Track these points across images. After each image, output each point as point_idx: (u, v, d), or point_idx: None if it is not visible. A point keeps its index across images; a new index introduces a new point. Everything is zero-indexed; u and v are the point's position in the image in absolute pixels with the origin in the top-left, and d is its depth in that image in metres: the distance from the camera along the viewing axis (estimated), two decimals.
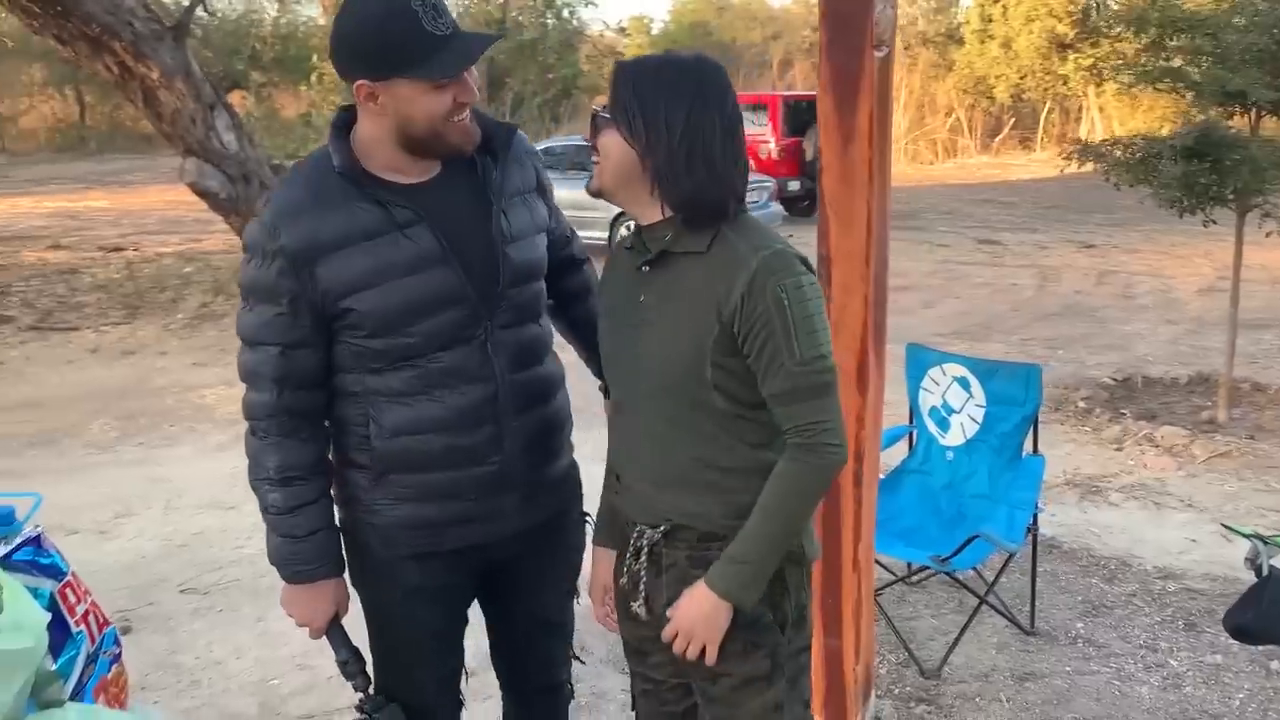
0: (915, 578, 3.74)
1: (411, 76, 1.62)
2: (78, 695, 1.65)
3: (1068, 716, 2.95)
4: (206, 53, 20.63)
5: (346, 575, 1.90)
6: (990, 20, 25.71)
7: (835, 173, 2.60)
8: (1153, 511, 4.47)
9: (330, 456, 1.87)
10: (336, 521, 1.86)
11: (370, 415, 1.76)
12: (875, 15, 2.51)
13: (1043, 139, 25.42)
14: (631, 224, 1.85)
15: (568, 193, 12.35)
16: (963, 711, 2.99)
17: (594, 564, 1.96)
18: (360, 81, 1.65)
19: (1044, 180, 18.92)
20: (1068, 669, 3.19)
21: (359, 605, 1.96)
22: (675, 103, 1.61)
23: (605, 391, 1.92)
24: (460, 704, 2.07)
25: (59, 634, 1.64)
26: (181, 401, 6.53)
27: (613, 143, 1.66)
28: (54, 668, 1.56)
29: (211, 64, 18.99)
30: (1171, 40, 5.30)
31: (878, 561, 3.45)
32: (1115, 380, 6.48)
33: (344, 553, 1.88)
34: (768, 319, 1.57)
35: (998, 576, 3.37)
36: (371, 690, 1.89)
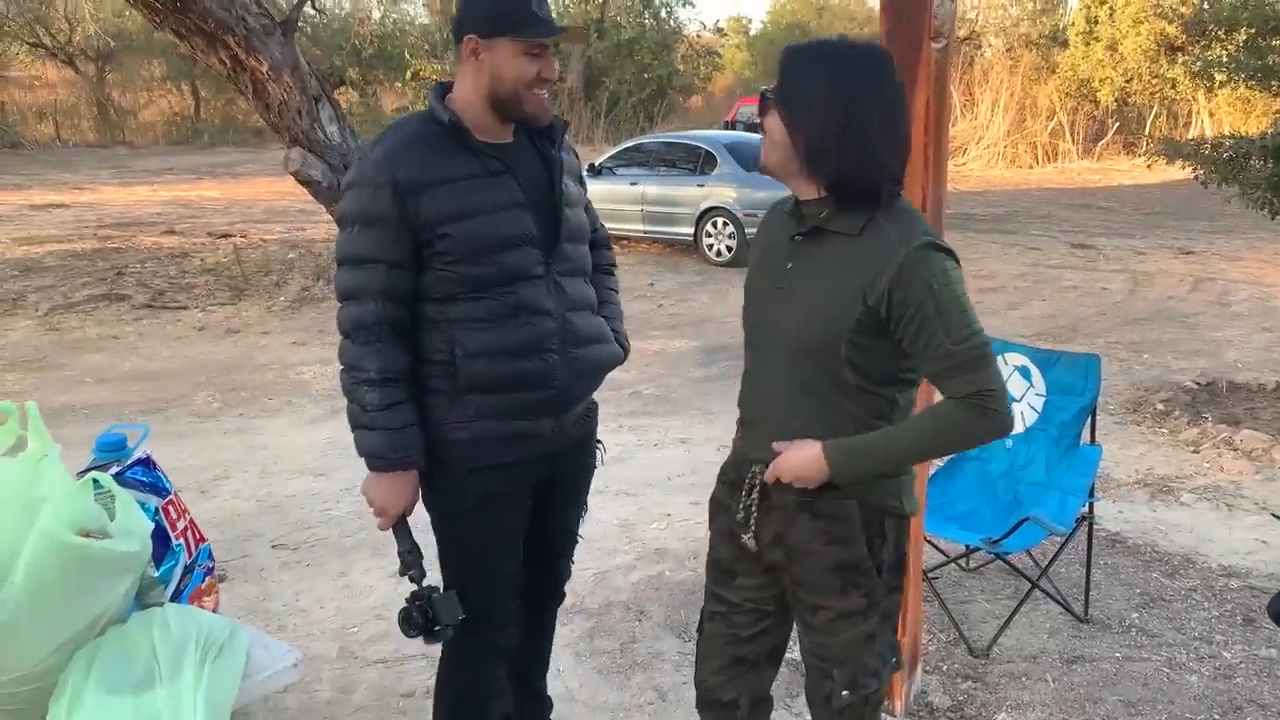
0: (973, 564, 3.81)
1: (513, 37, 1.99)
2: (175, 601, 1.87)
3: (1113, 698, 2.99)
4: (315, 50, 21.37)
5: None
6: (1096, 22, 25.07)
7: None
8: (1224, 513, 4.43)
9: None
10: None
11: (453, 339, 2.04)
12: (934, 8, 2.61)
13: (1148, 144, 24.70)
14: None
15: (656, 188, 12.63)
16: (1008, 689, 3.05)
17: None
18: (471, 36, 2.01)
19: (1147, 186, 18.47)
20: (1118, 655, 3.23)
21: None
22: (835, 87, 1.71)
23: None
24: (516, 614, 2.31)
25: (160, 545, 1.86)
26: (281, 377, 6.88)
27: (774, 123, 1.78)
28: (156, 574, 1.78)
29: (319, 61, 19.68)
30: (1264, 40, 5.22)
31: (933, 544, 3.54)
32: (1199, 384, 6.38)
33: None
34: (919, 305, 1.69)
35: (1051, 561, 3.42)
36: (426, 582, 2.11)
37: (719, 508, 2.06)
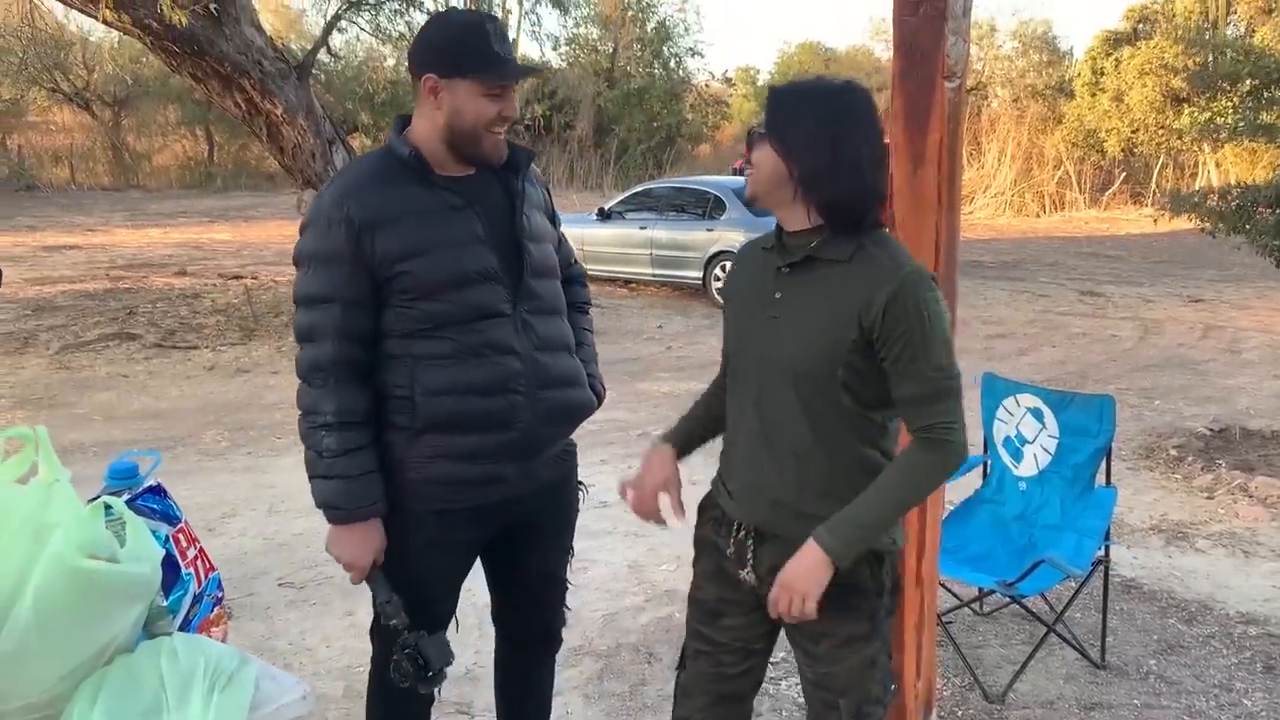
0: (986, 608, 3.76)
1: (474, 78, 1.95)
2: (183, 630, 1.84)
3: None
4: (329, 96, 21.62)
5: None
6: (1102, 74, 25.29)
7: (905, 197, 2.70)
8: (1241, 559, 4.38)
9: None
10: None
11: (414, 376, 1.98)
12: (946, 48, 2.62)
13: (1155, 195, 24.79)
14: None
15: (665, 233, 12.71)
16: None
17: (651, 459, 2.08)
18: (429, 75, 1.96)
19: (1154, 235, 18.46)
20: (1136, 702, 3.17)
21: None
22: (825, 118, 1.79)
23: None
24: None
25: (170, 574, 1.84)
26: (289, 416, 6.85)
27: (765, 156, 1.83)
28: (165, 603, 1.76)
29: (334, 106, 19.90)
30: (1267, 92, 5.25)
31: (947, 588, 3.50)
32: (1211, 431, 6.34)
33: None
34: (908, 328, 1.74)
35: (1067, 605, 3.37)
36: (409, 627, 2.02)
37: (704, 545, 2.05)
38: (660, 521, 2.07)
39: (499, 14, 22.86)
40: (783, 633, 2.03)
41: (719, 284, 11.45)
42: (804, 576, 1.79)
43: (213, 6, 7.72)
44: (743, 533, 1.93)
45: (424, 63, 1.99)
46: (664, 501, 2.06)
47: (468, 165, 2.06)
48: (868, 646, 1.91)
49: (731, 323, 1.98)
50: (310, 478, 1.99)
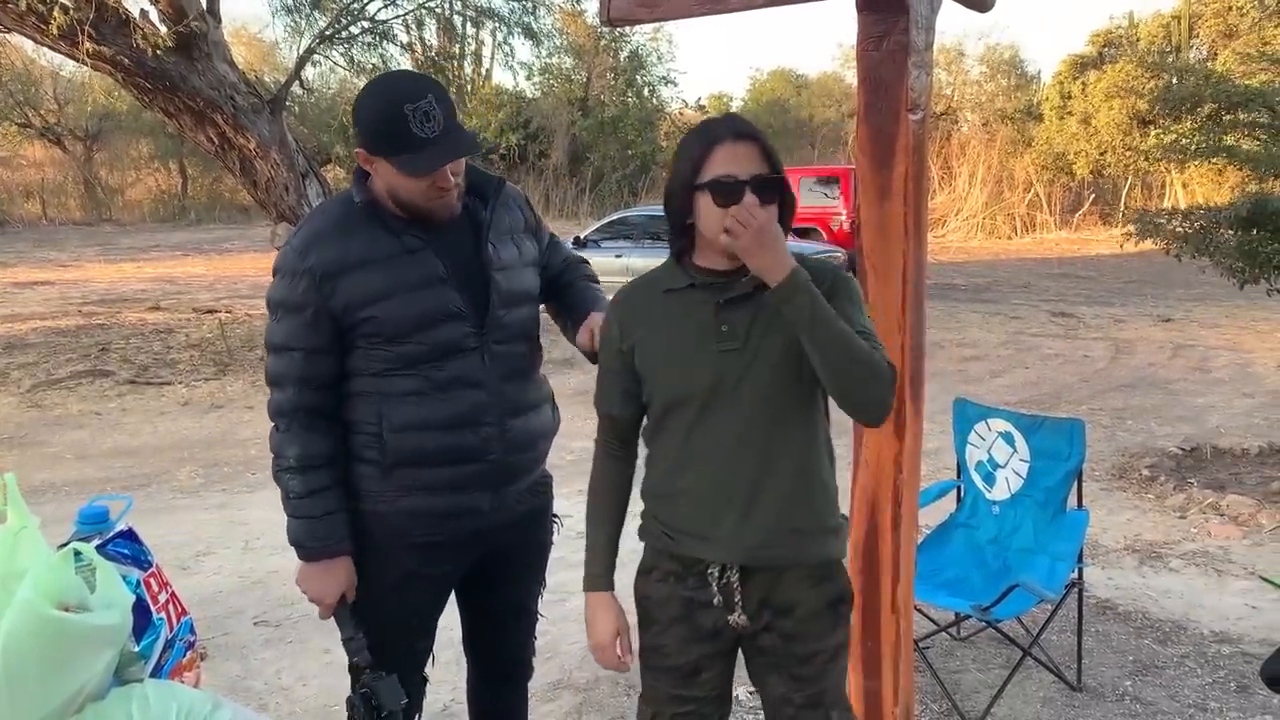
0: (963, 633, 3.78)
1: (391, 162, 1.94)
2: (155, 676, 1.83)
3: None
4: (302, 128, 21.63)
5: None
6: (1069, 97, 25.67)
7: (872, 227, 2.74)
8: (1213, 578, 4.42)
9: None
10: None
11: (381, 413, 2.02)
12: (910, 81, 2.67)
13: (1123, 216, 25.11)
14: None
15: (641, 260, 12.69)
16: None
17: (598, 612, 1.97)
18: (359, 149, 2.00)
19: (1125, 255, 18.64)
20: None
21: None
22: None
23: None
24: (425, 681, 2.30)
25: (141, 618, 1.83)
26: (263, 452, 6.75)
27: (772, 208, 1.81)
28: (136, 649, 1.75)
29: (307, 138, 19.89)
30: (1227, 115, 5.36)
31: (924, 613, 3.51)
32: (1183, 450, 6.41)
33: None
34: (842, 304, 1.81)
35: (1042, 629, 3.39)
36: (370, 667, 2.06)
37: (669, 603, 1.93)
38: (625, 667, 1.99)
39: (472, 51, 22.88)
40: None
41: None
42: (766, 237, 1.72)
43: (190, 29, 7.70)
44: (725, 576, 1.87)
45: (357, 133, 2.00)
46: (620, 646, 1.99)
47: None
48: (843, 656, 1.98)
49: (677, 375, 1.87)
50: (286, 515, 2.06)
